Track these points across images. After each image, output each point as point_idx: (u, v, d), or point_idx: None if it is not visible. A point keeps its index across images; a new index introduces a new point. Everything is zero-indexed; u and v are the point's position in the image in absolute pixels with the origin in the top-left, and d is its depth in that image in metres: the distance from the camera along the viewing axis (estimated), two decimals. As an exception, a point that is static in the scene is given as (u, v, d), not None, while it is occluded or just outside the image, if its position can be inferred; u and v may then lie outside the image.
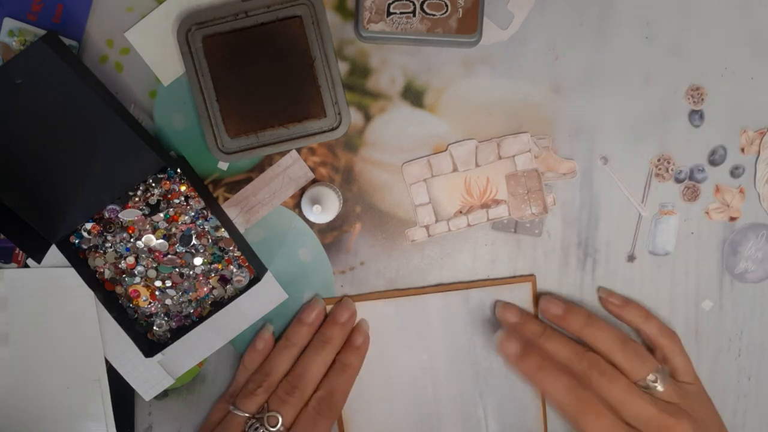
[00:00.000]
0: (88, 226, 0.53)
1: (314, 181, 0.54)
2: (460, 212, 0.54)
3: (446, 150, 0.53)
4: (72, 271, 0.53)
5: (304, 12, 0.49)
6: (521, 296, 0.55)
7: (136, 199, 0.53)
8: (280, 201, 0.54)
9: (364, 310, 0.55)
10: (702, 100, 0.54)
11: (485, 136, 0.54)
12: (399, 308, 0.55)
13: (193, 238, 0.53)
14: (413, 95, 0.53)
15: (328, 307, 0.55)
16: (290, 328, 0.55)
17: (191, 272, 0.53)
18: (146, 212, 0.53)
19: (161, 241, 0.53)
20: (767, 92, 0.54)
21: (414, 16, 0.50)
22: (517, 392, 0.56)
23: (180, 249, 0.53)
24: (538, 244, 0.55)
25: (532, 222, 0.55)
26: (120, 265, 0.53)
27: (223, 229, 0.53)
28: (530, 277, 0.55)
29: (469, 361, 0.56)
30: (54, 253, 0.52)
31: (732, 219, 0.55)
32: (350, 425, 0.56)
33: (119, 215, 0.53)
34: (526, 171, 0.54)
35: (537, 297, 0.55)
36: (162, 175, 0.52)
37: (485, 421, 0.57)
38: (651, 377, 0.51)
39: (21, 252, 0.54)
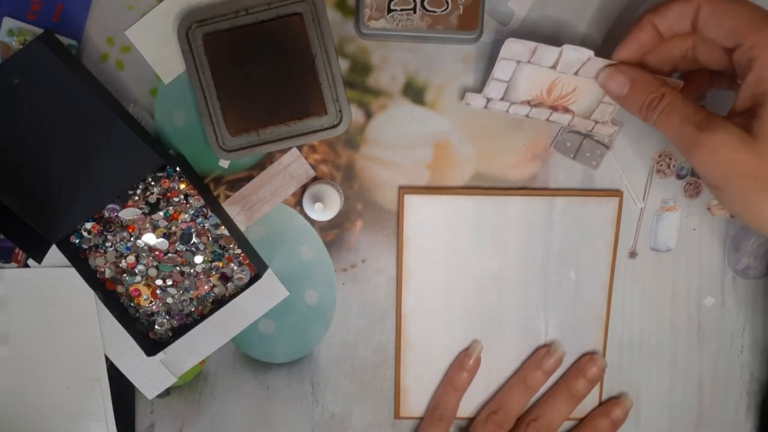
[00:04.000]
0: (88, 225, 0.52)
1: (315, 179, 0.54)
2: (528, 103, 0.51)
3: (561, 47, 0.48)
4: (72, 270, 0.53)
5: (304, 9, 0.49)
6: (606, 211, 0.54)
7: (136, 197, 0.52)
8: (281, 199, 0.54)
9: (439, 205, 0.54)
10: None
11: (486, 133, 0.54)
12: (478, 207, 0.54)
13: (194, 236, 0.53)
14: (414, 92, 0.53)
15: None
16: (531, 374, 0.56)
17: (192, 270, 0.53)
18: (146, 211, 0.52)
19: (161, 239, 0.53)
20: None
21: (414, 12, 0.49)
22: (581, 311, 0.55)
23: (180, 247, 0.53)
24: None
25: (592, 152, 0.54)
26: (120, 265, 0.53)
27: (223, 227, 0.52)
28: (618, 192, 0.54)
29: (539, 272, 0.55)
30: (54, 253, 0.52)
31: (733, 215, 0.55)
32: (408, 320, 0.55)
33: (119, 214, 0.52)
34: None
35: (621, 213, 0.54)
36: (161, 174, 0.52)
37: (545, 335, 0.56)
38: None
39: (21, 252, 0.54)
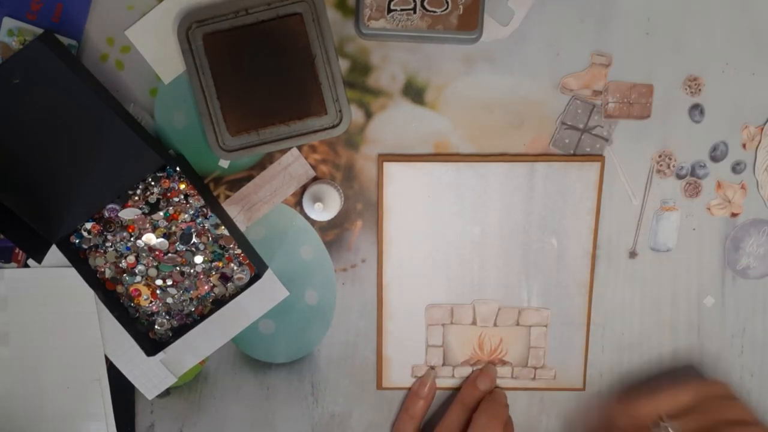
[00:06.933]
0: (88, 225, 0.52)
1: (315, 179, 0.54)
2: (468, 363, 0.56)
3: (471, 303, 0.55)
4: (72, 270, 0.53)
5: (304, 9, 0.49)
6: (588, 176, 0.54)
7: (136, 197, 0.52)
8: (281, 199, 0.54)
9: (420, 172, 0.54)
10: (699, 90, 0.53)
11: (486, 133, 0.54)
12: (458, 174, 0.54)
13: (193, 236, 0.53)
14: (414, 92, 0.53)
15: None
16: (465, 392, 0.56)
17: (192, 270, 0.53)
18: (146, 211, 0.52)
19: (161, 239, 0.53)
20: (768, 88, 0.54)
21: (414, 12, 0.50)
22: (564, 279, 0.55)
23: (180, 247, 0.53)
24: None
25: (592, 147, 0.55)
26: (120, 265, 0.53)
27: (223, 227, 0.52)
28: (600, 157, 0.54)
29: (521, 240, 0.55)
30: (54, 253, 0.52)
31: (733, 215, 0.55)
32: (389, 289, 0.55)
33: (119, 214, 0.52)
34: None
35: (603, 178, 0.54)
36: (161, 174, 0.52)
37: (528, 304, 0.56)
38: None
39: (21, 252, 0.54)
